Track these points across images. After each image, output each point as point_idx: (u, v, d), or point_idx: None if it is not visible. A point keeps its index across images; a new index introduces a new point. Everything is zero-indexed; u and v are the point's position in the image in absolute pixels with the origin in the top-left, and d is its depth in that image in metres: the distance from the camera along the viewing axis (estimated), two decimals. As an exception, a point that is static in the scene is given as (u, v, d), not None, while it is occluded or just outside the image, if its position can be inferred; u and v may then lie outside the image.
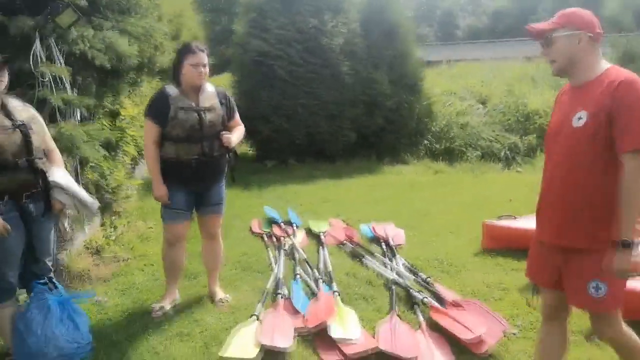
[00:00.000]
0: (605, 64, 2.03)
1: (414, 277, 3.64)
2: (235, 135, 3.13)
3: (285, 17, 7.86)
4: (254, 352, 2.59)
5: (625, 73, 1.94)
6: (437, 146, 8.49)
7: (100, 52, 3.89)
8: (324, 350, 2.72)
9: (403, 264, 3.89)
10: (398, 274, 3.65)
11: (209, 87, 3.10)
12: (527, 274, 2.26)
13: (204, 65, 2.97)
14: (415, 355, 2.64)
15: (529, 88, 10.40)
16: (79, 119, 3.78)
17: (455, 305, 3.07)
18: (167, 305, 3.19)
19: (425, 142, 8.61)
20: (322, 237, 4.43)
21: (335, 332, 2.77)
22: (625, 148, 1.83)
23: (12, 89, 3.03)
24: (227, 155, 3.17)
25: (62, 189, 2.59)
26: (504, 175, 7.55)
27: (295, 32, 7.77)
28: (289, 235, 4.39)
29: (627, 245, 1.82)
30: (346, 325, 2.85)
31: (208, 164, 3.03)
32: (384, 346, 2.67)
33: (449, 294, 3.26)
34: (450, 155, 8.38)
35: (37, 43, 3.26)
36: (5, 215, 2.36)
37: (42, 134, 2.58)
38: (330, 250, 4.24)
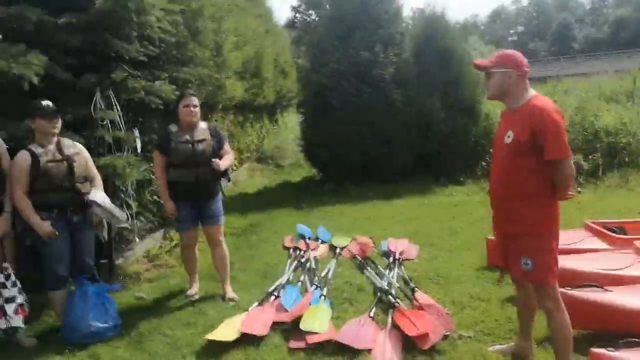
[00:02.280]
0: (531, 93, 2.59)
1: (404, 286, 3.99)
2: (224, 162, 3.85)
3: (341, 52, 8.56)
4: (233, 336, 3.19)
5: (543, 102, 2.51)
6: (494, 167, 8.45)
7: (156, 97, 4.87)
8: (294, 339, 3.23)
9: (400, 275, 4.24)
10: (389, 283, 4.02)
11: (202, 125, 3.91)
12: (490, 260, 2.98)
13: (194, 106, 3.79)
14: (368, 347, 3.06)
15: (605, 105, 9.88)
16: (134, 150, 4.72)
17: (419, 308, 3.40)
18: (193, 291, 4.03)
19: (483, 163, 8.62)
20: (338, 250, 4.93)
21: (304, 324, 3.28)
22: (551, 157, 2.42)
23: (75, 130, 4.07)
24: (220, 177, 3.89)
25: (98, 205, 3.46)
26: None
27: (350, 65, 8.42)
28: (309, 249, 4.94)
29: None
30: (316, 321, 3.33)
31: (201, 184, 3.80)
32: (340, 338, 3.12)
33: (423, 300, 3.58)
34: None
35: (98, 95, 4.27)
36: (53, 224, 3.27)
37: (84, 165, 3.48)
38: (343, 262, 4.73)
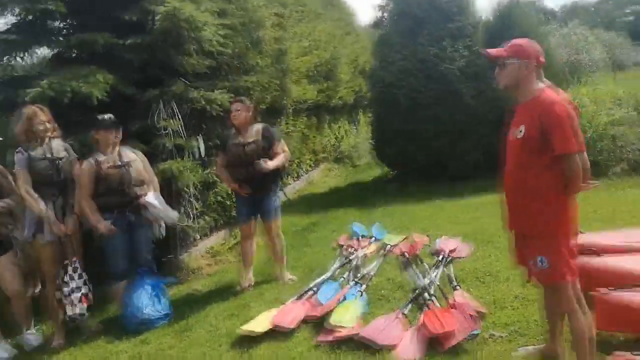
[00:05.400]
0: (541, 85, 2.49)
1: (446, 284, 3.92)
2: (272, 162, 4.10)
3: (408, 48, 8.47)
4: (264, 328, 3.39)
5: (552, 94, 2.41)
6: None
7: (217, 105, 5.24)
8: (322, 333, 3.35)
9: (446, 273, 4.16)
10: (430, 281, 3.96)
11: (257, 126, 4.17)
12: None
13: (237, 110, 4.12)
14: (392, 344, 3.08)
15: None
16: (195, 155, 5.12)
17: (451, 306, 3.35)
18: (245, 284, 4.35)
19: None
20: (388, 248, 4.94)
21: (332, 319, 3.38)
22: (558, 152, 2.33)
23: (140, 139, 4.52)
24: (271, 175, 4.14)
25: (151, 206, 3.84)
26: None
27: (416, 61, 8.30)
28: (357, 247, 5.01)
29: None
30: (347, 316, 3.41)
31: (252, 182, 4.09)
32: (364, 333, 3.18)
33: (458, 299, 3.50)
34: (595, 169, 7.64)
35: (161, 106, 4.72)
36: (113, 223, 3.70)
37: (140, 170, 3.88)
38: (391, 260, 4.73)
